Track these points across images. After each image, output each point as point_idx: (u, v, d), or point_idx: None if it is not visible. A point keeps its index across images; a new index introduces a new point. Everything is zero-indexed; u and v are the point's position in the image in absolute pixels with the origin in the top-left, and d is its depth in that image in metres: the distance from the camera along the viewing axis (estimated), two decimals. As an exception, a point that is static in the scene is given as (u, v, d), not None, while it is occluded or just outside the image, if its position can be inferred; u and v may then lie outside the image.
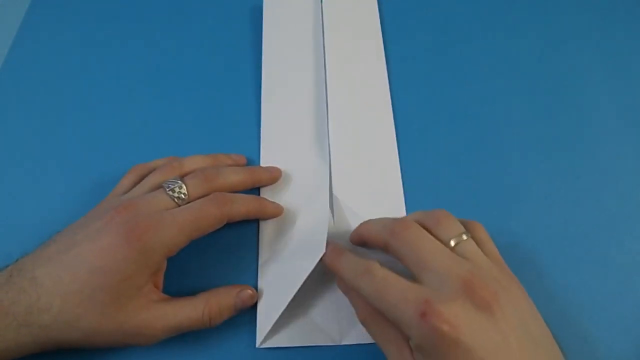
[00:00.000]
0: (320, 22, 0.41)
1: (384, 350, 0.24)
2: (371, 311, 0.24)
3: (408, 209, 0.33)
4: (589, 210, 0.33)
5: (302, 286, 0.27)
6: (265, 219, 0.32)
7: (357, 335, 0.28)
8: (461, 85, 0.39)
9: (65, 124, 0.36)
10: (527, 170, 0.35)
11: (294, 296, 0.26)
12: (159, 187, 0.28)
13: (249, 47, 0.40)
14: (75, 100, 0.37)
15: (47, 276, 0.24)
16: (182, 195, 0.27)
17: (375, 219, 0.27)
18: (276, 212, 0.32)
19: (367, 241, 0.27)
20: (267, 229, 0.32)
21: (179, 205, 0.27)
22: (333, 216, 0.31)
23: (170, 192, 0.27)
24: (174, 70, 0.39)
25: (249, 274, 0.30)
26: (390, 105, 0.37)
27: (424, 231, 0.24)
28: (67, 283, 0.24)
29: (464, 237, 0.24)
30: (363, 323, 0.25)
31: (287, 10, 0.42)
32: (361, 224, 0.27)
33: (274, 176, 0.33)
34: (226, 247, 0.31)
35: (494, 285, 0.21)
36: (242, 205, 0.28)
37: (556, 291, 0.30)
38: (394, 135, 0.36)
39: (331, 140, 0.34)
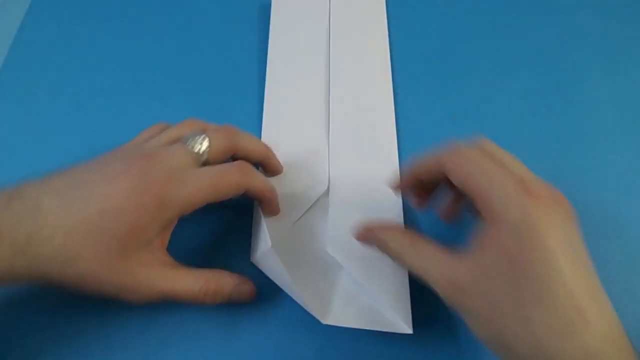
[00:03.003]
0: (328, 23, 0.41)
1: (426, 272, 0.23)
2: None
3: (406, 206, 0.32)
4: (588, 210, 0.33)
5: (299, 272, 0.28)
6: (268, 206, 0.30)
7: (342, 318, 0.27)
8: (463, 87, 0.39)
9: (65, 124, 0.36)
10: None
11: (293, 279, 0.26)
12: (179, 140, 0.27)
13: (255, 47, 0.40)
14: (76, 101, 0.37)
15: (53, 208, 0.22)
16: (205, 147, 0.26)
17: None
18: (275, 211, 0.30)
19: (419, 172, 0.27)
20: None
21: (200, 159, 0.26)
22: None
23: (192, 145, 0.26)
24: (178, 70, 0.39)
25: (248, 270, 0.30)
26: (393, 107, 0.37)
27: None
28: (74, 219, 0.22)
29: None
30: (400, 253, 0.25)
31: (296, 10, 0.41)
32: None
33: (278, 169, 0.32)
34: (222, 242, 0.31)
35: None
36: (262, 182, 0.27)
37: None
38: (395, 136, 0.35)
39: (332, 140, 0.34)
